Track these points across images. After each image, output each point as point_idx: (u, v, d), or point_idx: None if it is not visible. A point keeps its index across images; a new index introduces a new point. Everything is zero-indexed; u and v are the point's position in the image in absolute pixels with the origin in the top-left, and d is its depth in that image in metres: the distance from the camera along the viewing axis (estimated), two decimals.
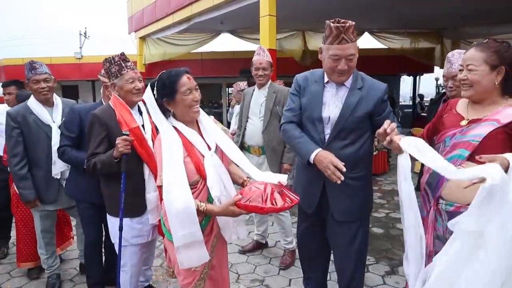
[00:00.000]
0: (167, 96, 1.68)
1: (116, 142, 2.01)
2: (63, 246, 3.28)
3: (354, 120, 1.95)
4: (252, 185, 1.61)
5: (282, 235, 3.31)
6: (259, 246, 3.55)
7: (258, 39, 6.83)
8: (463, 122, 1.66)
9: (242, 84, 5.90)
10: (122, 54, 2.20)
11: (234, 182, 1.86)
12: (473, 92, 1.61)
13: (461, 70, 1.66)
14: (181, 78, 1.66)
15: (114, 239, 2.22)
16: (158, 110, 1.72)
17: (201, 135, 1.78)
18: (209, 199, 1.71)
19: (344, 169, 1.81)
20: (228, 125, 5.90)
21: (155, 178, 2.18)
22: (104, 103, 2.46)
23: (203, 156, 1.71)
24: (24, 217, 3.00)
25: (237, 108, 5.93)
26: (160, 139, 1.68)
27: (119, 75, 2.17)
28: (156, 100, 1.71)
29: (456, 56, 2.45)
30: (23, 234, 3.02)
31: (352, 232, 2.06)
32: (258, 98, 3.24)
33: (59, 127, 2.60)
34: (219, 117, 15.96)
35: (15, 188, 2.75)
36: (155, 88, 1.71)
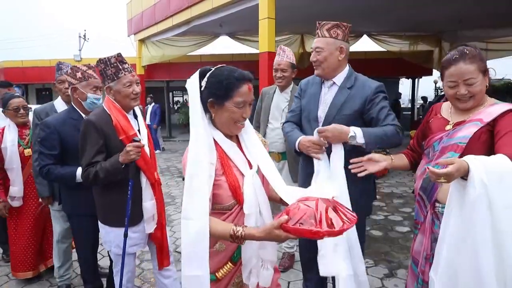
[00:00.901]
0: (217, 97, 1.36)
1: (128, 149, 1.90)
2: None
3: (342, 119, 1.99)
4: (300, 202, 1.26)
5: None
6: None
7: (257, 42, 6.84)
8: (448, 126, 1.69)
9: None
10: (119, 55, 2.04)
11: (273, 199, 1.54)
12: (475, 102, 1.62)
13: (453, 87, 1.61)
14: (242, 86, 1.36)
15: (110, 248, 2.16)
16: (200, 107, 1.37)
17: (241, 149, 1.47)
18: None
19: (326, 144, 1.91)
20: None
21: (152, 186, 2.12)
22: (75, 107, 2.33)
23: (242, 175, 1.41)
24: (18, 227, 2.93)
25: None
26: (187, 150, 1.37)
27: (115, 78, 2.01)
28: (201, 93, 1.38)
29: None
30: (18, 244, 2.95)
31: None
32: (280, 102, 3.08)
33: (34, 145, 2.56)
34: None
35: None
36: (205, 79, 1.37)
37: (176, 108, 20.46)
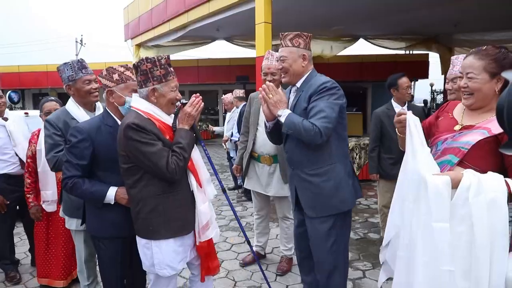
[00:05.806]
0: None
1: (188, 110, 1.89)
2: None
3: None
4: None
5: (283, 241, 3.28)
6: (259, 257, 3.44)
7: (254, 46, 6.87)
8: (457, 127, 1.66)
9: (239, 92, 5.94)
10: (168, 58, 1.89)
11: None
12: (474, 100, 1.60)
13: (461, 77, 1.65)
14: None
15: (162, 269, 1.87)
16: None
17: None
18: None
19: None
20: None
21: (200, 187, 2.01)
22: (109, 113, 2.04)
23: None
24: (50, 232, 2.85)
25: (228, 115, 6.00)
26: None
27: (164, 80, 1.83)
28: None
29: (460, 59, 2.48)
30: (52, 250, 2.85)
31: (324, 228, 2.12)
32: None
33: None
34: (215, 124, 16.03)
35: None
36: None
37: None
